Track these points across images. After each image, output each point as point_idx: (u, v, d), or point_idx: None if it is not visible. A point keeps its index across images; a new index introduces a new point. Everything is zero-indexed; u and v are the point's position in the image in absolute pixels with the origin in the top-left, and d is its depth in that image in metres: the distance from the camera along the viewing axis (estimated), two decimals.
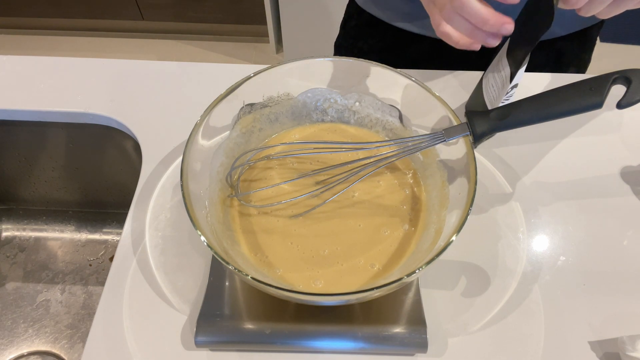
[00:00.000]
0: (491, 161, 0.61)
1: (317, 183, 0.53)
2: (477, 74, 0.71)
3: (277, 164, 0.55)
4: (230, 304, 0.48)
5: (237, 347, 0.47)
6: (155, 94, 0.69)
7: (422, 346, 0.46)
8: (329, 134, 0.58)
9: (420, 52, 0.76)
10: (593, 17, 0.72)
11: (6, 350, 0.71)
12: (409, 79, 0.52)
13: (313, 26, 1.82)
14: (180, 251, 0.53)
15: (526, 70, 0.72)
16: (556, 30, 0.71)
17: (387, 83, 0.54)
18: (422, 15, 0.71)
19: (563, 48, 0.74)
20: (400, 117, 0.56)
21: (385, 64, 0.79)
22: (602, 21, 0.74)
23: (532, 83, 0.70)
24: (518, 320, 0.49)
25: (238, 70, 0.69)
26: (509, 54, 0.53)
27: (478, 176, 0.44)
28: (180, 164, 0.52)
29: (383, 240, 0.49)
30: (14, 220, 0.84)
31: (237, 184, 0.53)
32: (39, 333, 0.73)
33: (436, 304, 0.50)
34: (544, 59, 0.74)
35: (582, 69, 0.80)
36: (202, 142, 0.49)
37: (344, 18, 0.86)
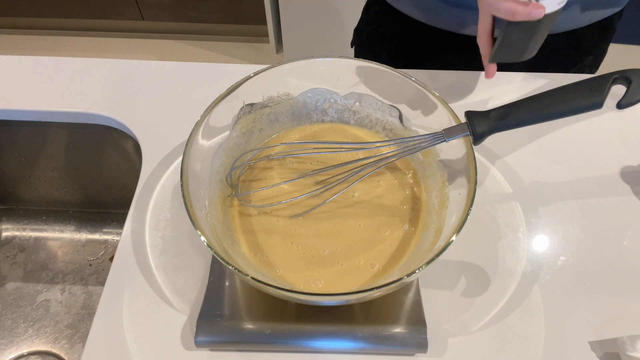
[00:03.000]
0: (491, 161, 0.61)
1: (317, 183, 0.53)
2: (478, 74, 0.71)
3: (277, 164, 0.55)
4: (230, 304, 0.48)
5: (237, 347, 0.47)
6: (155, 94, 0.69)
7: (422, 346, 0.46)
8: (329, 134, 0.58)
9: (441, 42, 0.77)
10: (613, 6, 0.71)
11: (6, 350, 0.71)
12: (409, 78, 0.52)
13: (313, 26, 1.82)
14: (180, 251, 0.53)
15: (536, 66, 0.70)
16: (577, 21, 0.71)
17: (387, 83, 0.54)
18: (444, 12, 0.71)
19: (583, 35, 0.74)
20: (400, 117, 0.56)
21: (406, 51, 0.80)
22: (622, 11, 0.74)
23: (532, 83, 0.70)
24: (518, 320, 0.49)
25: (238, 70, 0.69)
26: None
27: (478, 176, 0.44)
28: (180, 164, 0.52)
29: (383, 240, 0.49)
30: (14, 220, 0.84)
31: (237, 184, 0.53)
32: (39, 333, 0.73)
33: (436, 304, 0.50)
34: (564, 45, 0.74)
35: (599, 58, 0.80)
36: (202, 142, 0.49)
37: (366, 4, 0.86)
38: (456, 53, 0.75)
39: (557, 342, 0.48)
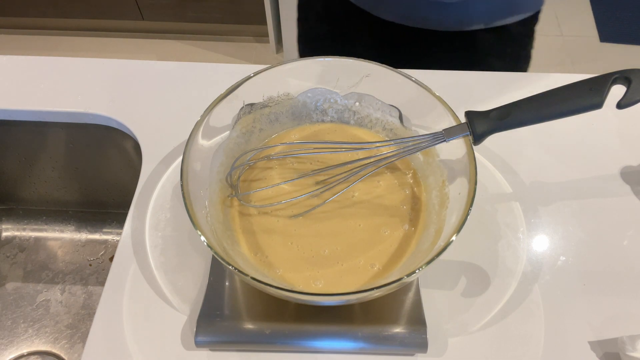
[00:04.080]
0: (491, 161, 0.61)
1: (317, 183, 0.53)
2: (477, 74, 0.71)
3: (277, 164, 0.55)
4: (230, 304, 0.48)
5: (237, 347, 0.47)
6: (155, 94, 0.69)
7: (422, 346, 0.46)
8: (329, 134, 0.58)
9: (390, 35, 0.75)
10: (511, 12, 0.70)
11: (6, 350, 0.71)
12: (409, 78, 0.52)
13: None
14: (180, 251, 0.53)
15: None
16: (467, 22, 0.70)
17: (387, 83, 0.54)
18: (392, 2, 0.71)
19: (477, 37, 0.72)
20: (400, 117, 0.56)
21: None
22: (529, 21, 0.72)
23: (532, 83, 0.70)
24: (518, 320, 0.49)
25: (238, 70, 0.69)
26: None
27: (478, 176, 0.44)
28: (180, 164, 0.52)
29: (383, 240, 0.49)
30: (14, 220, 0.84)
31: (237, 184, 0.53)
32: (39, 333, 0.73)
33: (436, 304, 0.50)
34: (463, 45, 0.73)
35: (511, 63, 0.77)
36: (202, 142, 0.49)
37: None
38: (408, 47, 0.74)
39: (557, 342, 0.48)
